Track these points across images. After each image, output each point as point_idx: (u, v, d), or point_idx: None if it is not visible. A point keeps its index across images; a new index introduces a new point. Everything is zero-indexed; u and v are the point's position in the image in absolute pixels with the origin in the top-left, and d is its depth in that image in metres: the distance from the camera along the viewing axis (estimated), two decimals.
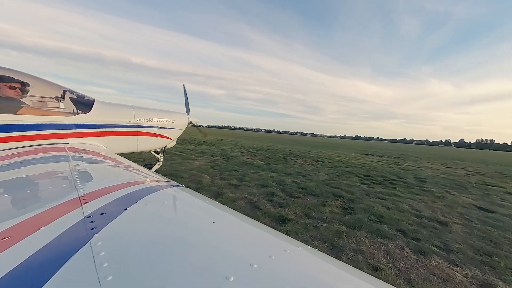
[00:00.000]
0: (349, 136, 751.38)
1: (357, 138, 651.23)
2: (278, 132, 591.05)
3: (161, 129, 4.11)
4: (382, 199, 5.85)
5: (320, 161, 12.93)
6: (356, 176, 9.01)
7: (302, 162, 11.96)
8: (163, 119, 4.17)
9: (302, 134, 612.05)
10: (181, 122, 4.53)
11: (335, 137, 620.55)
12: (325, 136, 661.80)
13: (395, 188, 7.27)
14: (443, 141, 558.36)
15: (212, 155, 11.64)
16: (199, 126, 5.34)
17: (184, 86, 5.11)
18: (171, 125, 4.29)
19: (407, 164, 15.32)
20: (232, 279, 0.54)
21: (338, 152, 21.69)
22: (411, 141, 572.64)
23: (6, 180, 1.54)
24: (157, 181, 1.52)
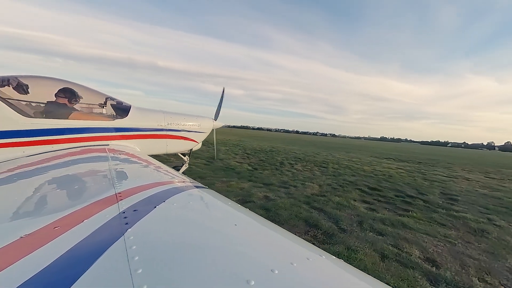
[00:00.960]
0: (374, 137, 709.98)
1: (383, 139, 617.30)
2: (297, 132, 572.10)
3: (188, 133, 4.37)
4: (380, 234, 3.71)
5: (323, 167, 10.98)
6: (359, 189, 6.96)
7: (300, 168, 10.12)
8: (190, 123, 4.42)
9: (322, 134, 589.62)
10: (206, 126, 4.75)
11: (358, 138, 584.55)
12: (347, 137, 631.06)
13: (409, 211, 4.99)
14: (485, 143, 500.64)
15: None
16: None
17: (223, 89, 5.13)
18: (197, 128, 4.53)
19: (435, 172, 12.13)
20: (252, 283, 0.54)
21: (352, 155, 19.27)
22: (445, 144, 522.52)
23: (59, 176, 1.83)
24: (183, 182, 1.64)
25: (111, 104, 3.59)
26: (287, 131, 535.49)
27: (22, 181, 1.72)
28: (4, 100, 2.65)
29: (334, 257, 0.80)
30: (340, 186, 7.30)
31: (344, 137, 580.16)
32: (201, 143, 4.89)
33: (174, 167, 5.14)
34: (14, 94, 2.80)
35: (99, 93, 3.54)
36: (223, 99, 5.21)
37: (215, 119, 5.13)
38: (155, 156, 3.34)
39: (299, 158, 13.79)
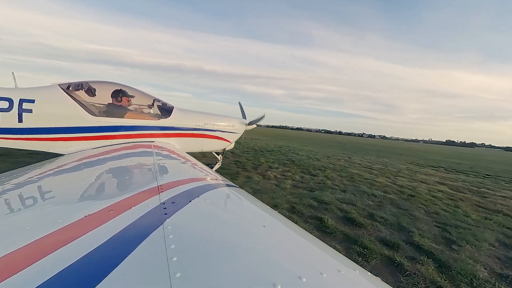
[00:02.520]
0: (437, 141, 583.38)
1: (449, 143, 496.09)
2: (340, 133, 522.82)
3: (222, 133, 4.59)
4: None
5: (312, 174, 7.91)
6: (319, 219, 3.95)
7: (273, 175, 7.13)
8: (225, 124, 4.64)
9: (370, 136, 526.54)
10: (239, 127, 4.93)
11: (415, 141, 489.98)
12: (402, 139, 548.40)
13: None
14: None
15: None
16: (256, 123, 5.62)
17: (240, 103, 5.49)
18: (231, 129, 4.73)
19: (501, 196, 6.98)
20: (279, 287, 0.53)
21: (383, 160, 15.21)
22: None
23: (114, 167, 2.13)
24: (216, 179, 1.72)
25: (157, 105, 4.01)
26: (328, 132, 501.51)
27: (87, 169, 2.06)
28: (78, 102, 3.23)
29: (370, 273, 0.74)
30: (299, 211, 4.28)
31: (397, 139, 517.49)
32: (233, 143, 5.07)
33: (208, 165, 5.43)
34: (85, 96, 3.39)
35: (148, 96, 3.99)
36: (243, 109, 5.45)
37: (245, 120, 5.32)
38: (191, 154, 3.60)
39: (292, 161, 10.57)
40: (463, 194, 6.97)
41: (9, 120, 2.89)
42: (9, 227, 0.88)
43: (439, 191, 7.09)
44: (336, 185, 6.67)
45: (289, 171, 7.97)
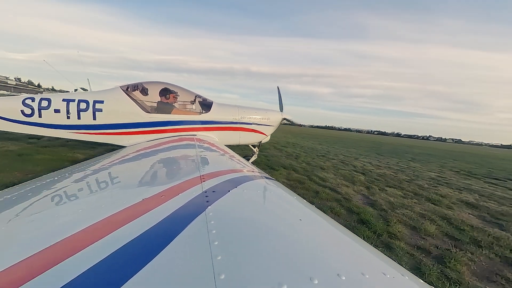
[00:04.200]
0: None
1: None
2: (398, 135, 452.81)
3: (258, 126, 4.67)
4: None
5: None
6: None
7: None
8: (260, 117, 4.70)
9: (439, 139, 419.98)
10: (275, 119, 4.92)
11: (508, 147, 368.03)
12: (486, 144, 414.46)
13: None
14: None
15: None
16: (293, 122, 5.55)
17: (278, 88, 5.46)
18: (266, 122, 4.77)
19: None
20: (316, 282, 0.53)
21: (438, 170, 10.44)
22: None
23: (164, 158, 2.41)
24: (253, 171, 1.78)
25: (198, 101, 4.31)
26: (383, 133, 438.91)
27: (144, 160, 2.38)
28: (135, 100, 3.72)
29: (422, 280, 0.67)
30: None
31: (480, 144, 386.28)
32: (269, 136, 5.09)
33: (244, 157, 5.63)
34: (140, 96, 3.87)
35: (190, 92, 4.32)
36: (281, 96, 5.36)
37: (281, 111, 5.27)
38: (229, 146, 3.78)
39: (283, 166, 7.10)
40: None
41: (87, 118, 3.55)
42: (90, 204, 1.10)
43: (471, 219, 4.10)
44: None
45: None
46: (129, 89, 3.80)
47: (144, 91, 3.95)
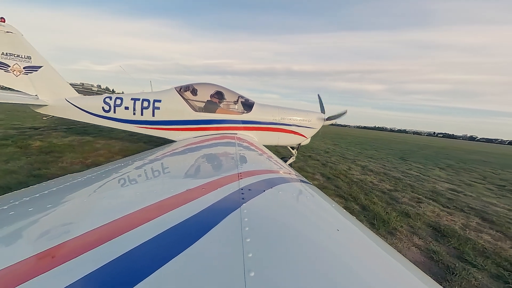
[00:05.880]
0: None
1: None
2: (471, 138, 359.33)
3: (298, 127, 4.58)
4: None
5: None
6: None
7: None
8: (301, 118, 4.59)
9: None
10: (317, 122, 4.74)
11: None
12: None
13: None
14: None
15: None
16: (337, 118, 5.26)
17: (319, 96, 5.24)
18: (307, 124, 4.64)
19: None
20: None
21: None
22: None
23: (207, 154, 2.59)
24: (289, 173, 1.75)
25: (241, 102, 4.50)
26: (452, 136, 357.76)
27: (189, 154, 2.63)
28: (186, 100, 4.14)
29: None
30: None
31: None
32: (309, 139, 4.93)
33: (282, 158, 5.59)
34: (190, 96, 4.28)
35: (234, 93, 4.54)
36: (322, 102, 5.14)
37: (323, 113, 5.03)
38: (267, 147, 3.82)
39: None
40: None
41: (148, 114, 4.12)
42: (145, 189, 1.28)
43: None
44: None
45: None
46: (181, 90, 4.25)
47: (194, 92, 4.35)
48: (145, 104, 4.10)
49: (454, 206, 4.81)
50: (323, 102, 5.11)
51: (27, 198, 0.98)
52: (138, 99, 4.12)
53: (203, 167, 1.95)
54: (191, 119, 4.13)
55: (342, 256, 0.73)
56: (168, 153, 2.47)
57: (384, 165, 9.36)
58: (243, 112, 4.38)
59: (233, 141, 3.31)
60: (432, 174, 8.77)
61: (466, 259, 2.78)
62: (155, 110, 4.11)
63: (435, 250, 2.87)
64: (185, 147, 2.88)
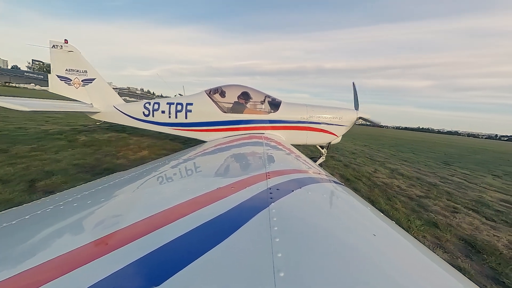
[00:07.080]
0: None
1: None
2: None
3: (328, 125, 4.39)
4: None
5: None
6: None
7: None
8: (331, 116, 4.40)
9: None
10: (348, 119, 4.48)
11: None
12: None
13: None
14: None
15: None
16: (372, 122, 4.90)
17: (353, 83, 4.94)
18: (338, 121, 4.42)
19: None
20: None
21: None
22: None
23: (236, 153, 2.66)
24: (319, 173, 1.70)
25: (268, 101, 4.50)
26: None
27: (220, 153, 2.73)
28: (215, 102, 4.32)
29: None
30: None
31: None
32: (340, 137, 4.68)
33: (311, 158, 5.43)
34: (219, 98, 4.45)
35: (261, 93, 4.57)
36: (357, 92, 4.86)
37: (356, 109, 4.72)
38: (296, 146, 3.75)
39: None
40: None
41: (181, 117, 4.42)
42: (179, 186, 1.38)
43: None
44: None
45: None
46: (211, 92, 4.45)
47: (223, 94, 4.51)
48: (179, 107, 4.41)
49: (502, 220, 3.96)
50: (357, 93, 4.80)
51: (87, 192, 1.14)
52: (173, 103, 4.45)
53: (232, 166, 2.01)
54: (220, 120, 4.29)
55: (379, 262, 0.68)
56: (200, 153, 2.61)
57: (419, 169, 8.29)
58: (270, 112, 4.38)
59: (261, 140, 3.34)
60: (481, 181, 7.44)
61: (503, 282, 2.27)
62: (188, 113, 4.39)
63: (462, 267, 2.41)
64: (215, 147, 3.01)
